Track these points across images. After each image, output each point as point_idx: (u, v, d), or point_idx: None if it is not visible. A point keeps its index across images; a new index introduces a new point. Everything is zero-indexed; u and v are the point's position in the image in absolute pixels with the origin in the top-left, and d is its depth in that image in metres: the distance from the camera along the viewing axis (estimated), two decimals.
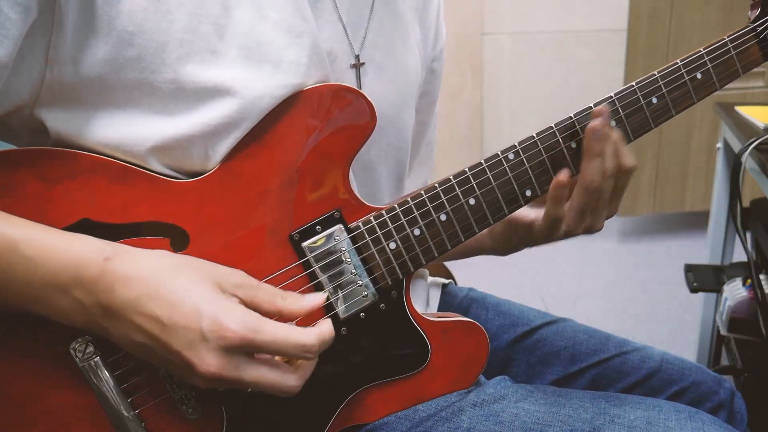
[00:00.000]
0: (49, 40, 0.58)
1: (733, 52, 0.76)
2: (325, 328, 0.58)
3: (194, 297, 0.55)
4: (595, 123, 0.69)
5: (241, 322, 0.54)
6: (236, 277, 0.59)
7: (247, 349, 0.55)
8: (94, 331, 0.58)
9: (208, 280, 0.57)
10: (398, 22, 0.78)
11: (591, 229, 0.73)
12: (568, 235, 0.73)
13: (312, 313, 0.61)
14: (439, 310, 0.92)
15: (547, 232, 0.73)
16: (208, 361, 0.54)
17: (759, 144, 1.21)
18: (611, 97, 0.73)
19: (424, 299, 0.87)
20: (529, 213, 0.76)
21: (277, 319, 0.58)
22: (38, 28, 0.57)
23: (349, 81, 0.72)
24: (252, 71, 0.62)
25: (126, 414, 0.62)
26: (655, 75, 0.74)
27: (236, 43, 0.62)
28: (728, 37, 0.76)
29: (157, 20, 0.59)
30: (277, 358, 0.59)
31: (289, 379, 0.58)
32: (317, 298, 0.61)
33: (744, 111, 1.46)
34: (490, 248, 0.84)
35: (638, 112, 0.74)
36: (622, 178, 0.71)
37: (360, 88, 0.72)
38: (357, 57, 0.73)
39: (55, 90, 0.60)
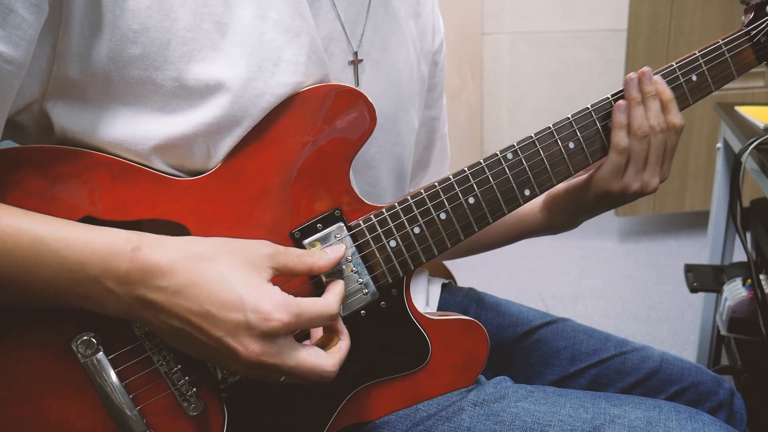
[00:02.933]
0: (56, 36, 0.58)
1: (727, 55, 0.77)
2: (338, 288, 0.63)
3: (234, 283, 0.56)
4: (631, 74, 0.73)
5: (283, 308, 0.56)
6: (265, 248, 0.60)
7: (289, 332, 0.58)
8: (130, 319, 0.60)
9: (242, 262, 0.58)
10: (393, 19, 0.78)
11: (646, 188, 0.75)
12: (624, 191, 0.75)
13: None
14: (438, 309, 0.93)
15: (608, 182, 0.75)
16: (252, 347, 0.56)
17: (759, 144, 1.21)
18: (608, 98, 0.74)
19: (423, 298, 0.88)
20: (582, 175, 0.78)
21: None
22: (47, 26, 0.57)
23: (347, 78, 0.73)
24: (253, 69, 0.62)
25: (128, 411, 0.62)
26: None
27: (238, 42, 0.62)
28: (722, 40, 0.77)
29: (160, 19, 0.59)
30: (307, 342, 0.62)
31: (327, 363, 0.60)
32: (339, 250, 0.65)
33: (744, 111, 1.46)
34: (547, 225, 0.86)
35: None
36: (671, 137, 0.74)
37: (358, 85, 0.73)
38: (355, 54, 0.73)
39: (61, 85, 0.60)
